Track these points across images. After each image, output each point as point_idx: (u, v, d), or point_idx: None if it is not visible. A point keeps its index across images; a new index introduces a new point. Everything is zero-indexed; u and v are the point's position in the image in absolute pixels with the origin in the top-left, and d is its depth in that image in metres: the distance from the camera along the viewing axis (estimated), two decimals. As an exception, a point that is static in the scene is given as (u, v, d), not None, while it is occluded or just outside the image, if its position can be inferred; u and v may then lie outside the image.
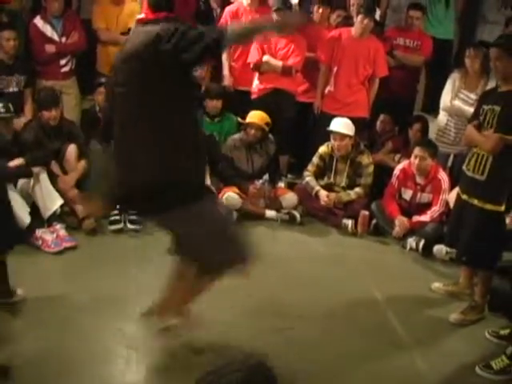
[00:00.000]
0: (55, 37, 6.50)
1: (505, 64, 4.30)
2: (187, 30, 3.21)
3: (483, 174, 4.41)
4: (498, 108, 4.34)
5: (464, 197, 4.59)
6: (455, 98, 6.15)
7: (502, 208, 4.41)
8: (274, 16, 6.49)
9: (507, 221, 4.26)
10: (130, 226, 5.67)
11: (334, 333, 4.37)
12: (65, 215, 5.58)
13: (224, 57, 6.92)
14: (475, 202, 4.47)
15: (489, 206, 4.40)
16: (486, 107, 4.46)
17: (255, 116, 6.32)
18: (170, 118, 3.38)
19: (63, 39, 6.53)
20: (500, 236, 4.45)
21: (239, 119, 6.51)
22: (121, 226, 5.65)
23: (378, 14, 6.45)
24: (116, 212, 5.66)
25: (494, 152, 4.33)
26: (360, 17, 6.49)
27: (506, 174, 4.41)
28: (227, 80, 6.98)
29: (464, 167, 4.65)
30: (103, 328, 4.19)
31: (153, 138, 3.38)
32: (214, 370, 1.70)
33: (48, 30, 6.47)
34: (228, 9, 6.99)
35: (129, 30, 6.55)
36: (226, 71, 6.98)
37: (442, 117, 6.36)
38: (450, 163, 6.59)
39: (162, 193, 3.38)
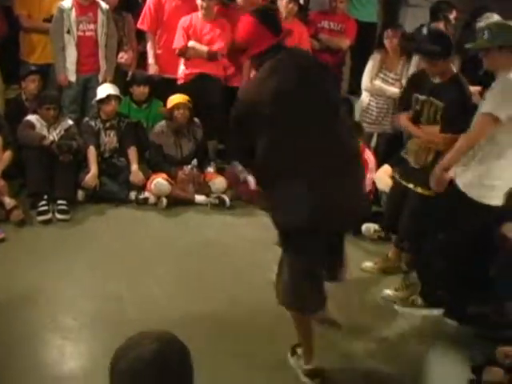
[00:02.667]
0: (-26, 24, 6.33)
1: (439, 66, 4.44)
2: None
3: (426, 164, 4.55)
4: (438, 102, 4.43)
5: (408, 185, 4.70)
6: (376, 77, 6.28)
7: None
8: (199, 2, 6.51)
9: None
10: (58, 216, 5.60)
11: (267, 315, 4.38)
12: (-9, 207, 5.49)
13: (149, 45, 6.88)
14: (419, 189, 4.59)
15: (432, 192, 4.49)
16: (420, 97, 4.55)
17: (176, 98, 6.33)
18: None
19: (-17, 27, 6.37)
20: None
21: (160, 109, 6.51)
22: (49, 216, 5.57)
23: None
24: (44, 202, 5.60)
25: (447, 149, 4.38)
26: (285, 1, 6.53)
27: None
28: (152, 69, 6.90)
29: (404, 155, 4.77)
30: (36, 319, 4.16)
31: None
32: (131, 343, 1.77)
33: (-34, 18, 6.30)
34: None
35: (51, 16, 6.44)
36: (151, 60, 6.89)
37: (364, 97, 6.46)
38: (373, 143, 6.73)
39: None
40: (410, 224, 4.70)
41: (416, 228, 4.65)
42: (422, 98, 4.53)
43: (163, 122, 6.45)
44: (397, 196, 4.90)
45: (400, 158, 4.85)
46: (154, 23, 6.80)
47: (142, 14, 6.83)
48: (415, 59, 6.09)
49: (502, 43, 3.86)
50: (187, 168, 6.30)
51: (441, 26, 6.24)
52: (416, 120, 4.61)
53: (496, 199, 3.98)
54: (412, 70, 6.06)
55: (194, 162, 6.34)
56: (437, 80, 4.51)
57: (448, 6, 6.73)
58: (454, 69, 4.71)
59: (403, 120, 4.75)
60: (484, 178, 3.93)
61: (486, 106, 3.84)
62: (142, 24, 6.85)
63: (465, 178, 3.97)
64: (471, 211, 3.98)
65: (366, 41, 7.57)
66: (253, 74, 6.62)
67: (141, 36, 7.05)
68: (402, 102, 4.85)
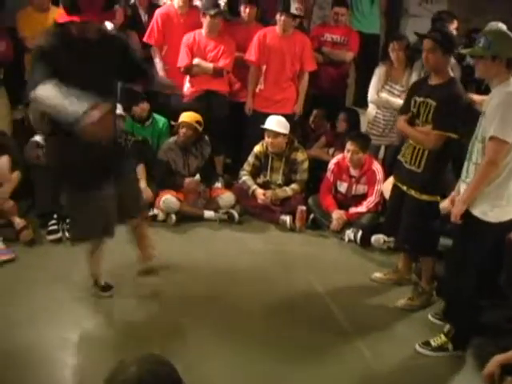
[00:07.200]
0: (-20, 47, 6.34)
1: (437, 57, 4.43)
2: None
3: (420, 167, 4.55)
4: (432, 102, 4.45)
5: (403, 187, 4.73)
6: (382, 90, 6.30)
7: (438, 198, 4.51)
8: (203, 19, 6.56)
9: (443, 205, 4.37)
10: (68, 235, 5.60)
11: (278, 327, 4.42)
12: (1, 228, 5.49)
13: (157, 58, 6.91)
14: (412, 192, 4.61)
15: (425, 197, 4.54)
16: (418, 99, 4.57)
17: (185, 116, 6.34)
18: None
19: (-11, 49, 6.39)
20: (436, 224, 4.58)
21: (172, 122, 6.50)
22: (59, 235, 5.57)
23: (294, 8, 6.52)
24: (54, 221, 5.61)
25: (435, 149, 4.46)
26: (277, 14, 6.59)
27: (441, 167, 4.56)
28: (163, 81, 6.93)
29: (400, 157, 4.78)
30: (47, 338, 4.16)
31: None
32: (112, 374, 1.82)
33: (-28, 40, 6.31)
34: (159, 11, 6.96)
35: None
36: (161, 72, 6.92)
37: (371, 109, 6.49)
38: (381, 154, 6.74)
39: None
40: (409, 229, 4.71)
41: (415, 231, 4.67)
42: (419, 99, 4.55)
43: (171, 140, 6.48)
44: (395, 199, 4.91)
45: (397, 161, 4.87)
46: (161, 37, 6.85)
47: (149, 29, 6.89)
48: (416, 70, 6.13)
49: (495, 53, 3.75)
50: (189, 180, 6.37)
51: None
52: (413, 122, 4.63)
53: (508, 214, 3.94)
54: (414, 79, 6.10)
55: (197, 176, 6.40)
56: (433, 82, 4.54)
57: (449, 16, 6.74)
58: (452, 74, 4.71)
59: (400, 122, 4.78)
60: (496, 200, 3.85)
61: (491, 127, 3.72)
62: (150, 38, 6.90)
63: (478, 205, 3.89)
64: (489, 232, 3.91)
65: (370, 52, 7.61)
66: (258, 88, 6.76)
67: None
68: (403, 107, 4.86)
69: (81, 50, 3.91)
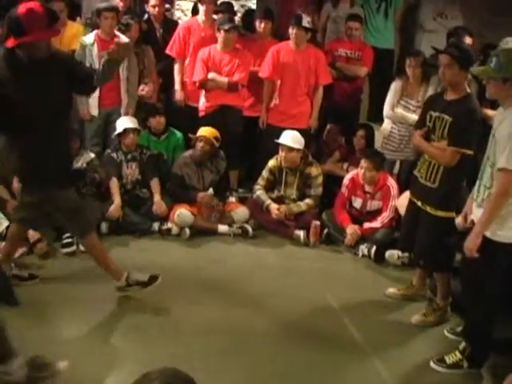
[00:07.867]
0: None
1: (454, 72, 4.41)
2: None
3: (435, 183, 4.54)
4: (447, 118, 4.43)
5: (418, 203, 4.72)
6: (397, 105, 6.31)
7: (454, 214, 4.48)
8: (218, 34, 6.60)
9: (458, 220, 4.34)
10: (82, 248, 5.59)
11: (292, 344, 4.39)
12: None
13: (176, 71, 6.98)
14: (427, 208, 4.60)
15: (440, 213, 4.53)
16: (433, 114, 4.56)
17: (204, 130, 6.36)
18: None
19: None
20: (451, 240, 4.56)
21: (190, 135, 6.52)
22: (73, 248, 5.56)
23: (305, 21, 6.55)
24: (68, 234, 5.62)
25: (451, 165, 4.44)
26: (290, 28, 6.62)
27: (456, 183, 4.55)
28: (178, 95, 7.02)
29: (416, 172, 4.78)
30: (61, 348, 4.12)
31: None
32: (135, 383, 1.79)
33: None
34: (182, 24, 7.10)
35: (73, 51, 6.51)
36: (177, 86, 7.00)
37: (386, 125, 6.49)
38: (396, 170, 6.73)
39: None
40: (425, 245, 4.70)
41: (431, 247, 4.65)
42: (435, 114, 4.54)
43: (186, 154, 6.50)
44: (411, 214, 4.90)
45: (413, 176, 4.87)
46: (182, 50, 6.93)
47: (172, 41, 6.98)
48: (433, 85, 6.12)
49: (507, 75, 3.66)
50: (202, 193, 6.38)
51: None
52: (428, 137, 4.62)
53: None
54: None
55: (210, 190, 6.40)
56: (449, 97, 4.52)
57: (464, 32, 6.74)
58: (469, 90, 4.69)
59: (416, 137, 4.77)
60: (505, 222, 3.76)
61: (501, 157, 3.65)
62: (171, 50, 6.98)
63: (496, 230, 3.82)
64: (501, 252, 3.84)
65: (384, 67, 7.62)
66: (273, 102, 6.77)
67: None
68: (419, 122, 4.85)
69: (32, 73, 4.04)
